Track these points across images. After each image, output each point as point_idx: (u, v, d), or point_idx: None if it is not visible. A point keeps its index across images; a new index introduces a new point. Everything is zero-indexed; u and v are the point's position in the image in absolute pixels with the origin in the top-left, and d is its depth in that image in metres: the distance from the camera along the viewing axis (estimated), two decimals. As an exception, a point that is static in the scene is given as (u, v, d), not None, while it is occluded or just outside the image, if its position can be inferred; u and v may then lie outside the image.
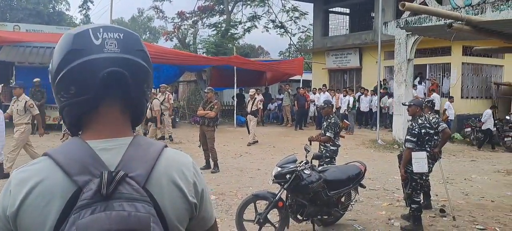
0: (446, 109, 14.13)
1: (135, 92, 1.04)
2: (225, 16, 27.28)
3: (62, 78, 1.00)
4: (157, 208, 0.96)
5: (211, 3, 27.86)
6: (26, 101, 7.82)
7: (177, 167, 1.04)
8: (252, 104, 12.53)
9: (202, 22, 28.43)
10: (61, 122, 10.19)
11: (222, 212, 5.85)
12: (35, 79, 12.77)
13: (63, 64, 0.99)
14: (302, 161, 4.82)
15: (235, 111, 17.52)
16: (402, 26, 11.39)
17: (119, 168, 0.96)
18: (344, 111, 16.00)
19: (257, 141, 12.46)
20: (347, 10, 22.84)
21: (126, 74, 1.00)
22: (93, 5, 38.42)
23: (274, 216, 4.96)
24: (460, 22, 5.10)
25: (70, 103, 1.02)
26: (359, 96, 17.03)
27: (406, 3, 4.94)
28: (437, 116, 6.65)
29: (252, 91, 12.96)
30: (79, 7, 33.81)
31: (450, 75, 16.10)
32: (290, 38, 30.52)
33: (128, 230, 0.87)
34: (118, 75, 1.00)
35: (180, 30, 27.32)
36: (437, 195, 6.77)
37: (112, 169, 0.95)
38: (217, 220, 4.41)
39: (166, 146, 1.07)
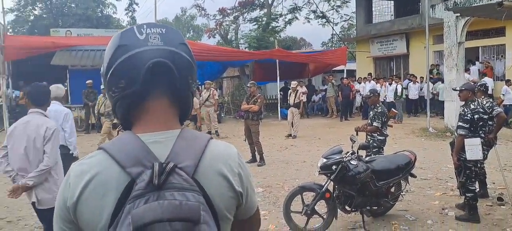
0: (503, 94, 13.32)
1: (180, 83, 1.08)
2: (265, 10, 27.28)
3: (112, 74, 1.06)
4: (205, 197, 0.99)
5: (251, -2, 27.93)
6: None
7: (222, 158, 1.08)
8: (295, 97, 12.47)
9: (243, 17, 28.61)
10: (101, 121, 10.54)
11: (269, 204, 5.89)
12: (88, 81, 13.41)
13: (113, 61, 1.05)
14: (348, 152, 4.75)
15: (279, 105, 17.51)
16: (450, 7, 10.87)
17: (168, 159, 0.99)
18: (391, 100, 15.54)
19: (295, 136, 12.33)
20: (391, -5, 22.13)
21: (170, 65, 1.05)
22: (138, 7, 39.69)
23: (321, 207, 4.93)
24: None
25: (121, 97, 1.07)
26: (407, 84, 16.48)
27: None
28: (491, 100, 6.30)
29: (294, 83, 12.89)
30: (125, 9, 35.16)
31: (504, 57, 15.19)
32: (332, 28, 30.03)
33: (179, 218, 0.90)
34: (162, 65, 1.04)
35: (222, 27, 27.66)
36: (494, 183, 6.44)
37: (162, 160, 0.99)
38: (265, 212, 4.46)
39: (211, 138, 1.11)
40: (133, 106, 1.09)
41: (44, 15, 32.10)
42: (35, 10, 32.71)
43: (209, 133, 12.90)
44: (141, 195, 0.92)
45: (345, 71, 18.32)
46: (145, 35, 1.06)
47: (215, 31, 28.35)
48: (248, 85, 9.26)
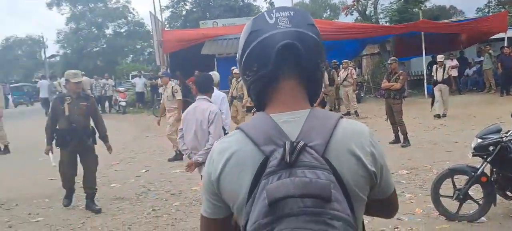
0: None
1: (308, 63, 1.12)
2: (408, -22, 25.29)
3: (246, 58, 1.14)
4: (336, 175, 1.00)
5: (391, -33, 26.17)
6: (172, 87, 8.49)
7: (354, 136, 1.08)
8: (443, 72, 11.40)
9: (382, -11, 27.01)
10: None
11: (415, 187, 5.59)
12: (233, 68, 14.41)
13: (246, 46, 1.14)
14: (509, 131, 4.20)
15: (425, 81, 16.22)
16: None
17: (299, 138, 1.04)
18: None
19: (445, 115, 11.27)
20: None
21: (298, 46, 1.08)
22: (276, -8, 40.70)
23: (476, 192, 4.49)
24: None
25: (254, 80, 1.15)
26: None
27: None
28: None
29: (440, 57, 11.77)
30: (265, -4, 36.36)
31: None
32: (490, -10, 26.35)
33: (310, 195, 0.93)
34: (291, 47, 1.08)
35: (360, 2, 26.58)
36: None
37: (293, 139, 1.03)
38: (410, 195, 4.27)
39: (341, 117, 1.11)
40: (265, 88, 1.15)
41: (194, 9, 35.32)
42: (186, 5, 36.20)
43: (348, 113, 12.71)
44: (274, 172, 0.98)
45: (506, 39, 15.96)
46: (275, 19, 1.11)
47: (352, 8, 27.44)
48: (389, 62, 8.81)
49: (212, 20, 23.60)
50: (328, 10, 49.85)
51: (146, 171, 7.45)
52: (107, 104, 19.65)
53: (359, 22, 25.19)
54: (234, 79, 10.70)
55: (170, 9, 35.50)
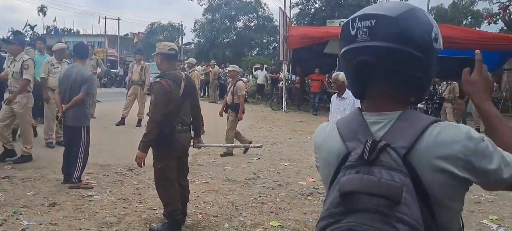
0: None
1: (393, 76, 1.10)
2: None
3: (341, 61, 1.23)
4: (418, 180, 1.01)
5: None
6: (23, 61, 6.26)
7: (443, 142, 1.03)
8: None
9: (539, -2, 23.66)
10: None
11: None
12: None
13: (339, 51, 1.19)
14: None
15: None
16: None
17: (383, 138, 1.07)
18: None
19: None
20: None
21: (373, 62, 1.08)
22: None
23: None
24: None
25: (349, 83, 1.24)
26: None
27: None
28: None
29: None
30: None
31: None
32: None
33: (377, 194, 0.96)
34: (365, 64, 1.10)
35: (507, 11, 23.71)
36: None
37: (378, 139, 1.07)
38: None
39: (437, 121, 1.07)
40: (357, 91, 1.21)
41: (323, 8, 35.32)
42: (316, 3, 36.37)
43: (477, 129, 11.56)
44: (352, 166, 1.05)
45: None
46: (355, 30, 1.10)
47: (497, 17, 24.60)
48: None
49: (340, 19, 23.35)
50: (469, 17, 45.44)
51: (257, 159, 7.83)
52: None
53: (504, 32, 22.51)
54: None
55: (299, 6, 36.01)
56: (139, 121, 10.71)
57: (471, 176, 1.04)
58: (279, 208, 5.16)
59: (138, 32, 53.59)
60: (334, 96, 5.63)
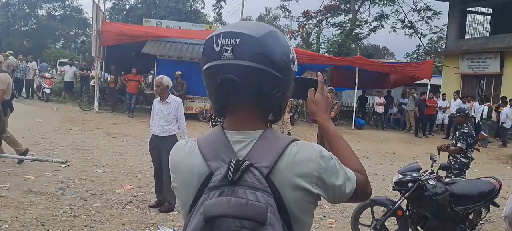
0: None
1: (254, 94, 1.10)
2: (350, 16, 26.75)
3: (203, 76, 1.16)
4: (279, 199, 1.03)
5: (337, 2, 27.54)
6: None
7: (301, 161, 1.07)
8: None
9: (326, 21, 28.31)
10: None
11: (336, 213, 5.83)
12: (177, 72, 14.17)
13: (202, 66, 1.15)
14: (426, 170, 4.55)
15: (354, 113, 17.12)
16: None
17: (246, 158, 1.06)
18: (478, 121, 14.47)
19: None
20: (489, 10, 20.56)
21: (237, 80, 1.07)
22: (226, 4, 40.88)
23: (391, 224, 4.78)
24: None
25: (210, 100, 1.19)
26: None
27: None
28: None
29: None
30: (213, 6, 36.35)
31: None
32: (420, 39, 28.63)
33: (245, 217, 0.95)
34: (231, 81, 1.07)
35: (305, 29, 27.61)
36: None
37: (241, 158, 1.05)
38: (331, 220, 4.39)
39: (294, 140, 1.11)
40: (220, 108, 1.18)
41: (139, 5, 34.38)
42: (131, 0, 35.19)
43: (288, 134, 13.04)
44: (215, 187, 1.00)
45: (429, 85, 17.39)
46: (220, 47, 1.08)
47: (297, 34, 28.40)
48: (325, 90, 9.15)
49: (157, 19, 23.07)
50: (271, 31, 50.81)
51: (65, 166, 7.01)
52: (29, 89, 18.23)
53: (301, 48, 26.07)
54: None
55: (113, 1, 34.22)
56: None
57: (322, 192, 1.10)
58: (94, 220, 4.71)
59: None
60: (156, 100, 5.45)
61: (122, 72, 16.61)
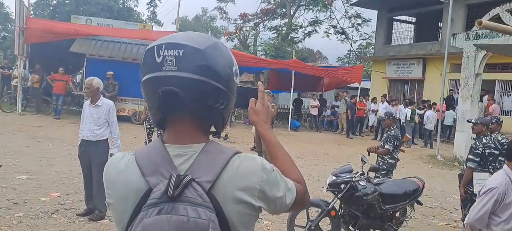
0: None
1: (196, 106, 1.07)
2: (286, 20, 27.35)
3: (142, 87, 1.11)
4: (221, 213, 1.01)
5: (274, 6, 28.02)
6: None
7: (243, 175, 1.06)
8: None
9: (263, 24, 28.68)
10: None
11: (273, 215, 5.90)
12: (108, 73, 13.57)
13: (141, 77, 1.10)
14: (358, 172, 4.76)
15: (290, 115, 17.52)
16: (472, 39, 10.83)
17: (188, 172, 1.03)
18: (403, 123, 15.46)
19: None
20: (413, 19, 22.10)
21: (179, 92, 1.03)
22: (161, 2, 39.93)
23: (325, 224, 4.93)
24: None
25: (150, 112, 1.14)
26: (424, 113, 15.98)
27: (483, 21, 4.72)
28: (506, 137, 6.26)
29: None
30: (147, 4, 35.33)
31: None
32: (351, 44, 29.96)
33: None
34: (173, 93, 1.04)
35: (242, 32, 27.75)
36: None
37: (182, 173, 1.02)
38: (268, 222, 4.43)
39: (237, 153, 1.09)
40: (160, 121, 1.14)
41: (66, 1, 32.49)
42: (59, -5, 33.15)
43: (223, 136, 12.99)
44: (155, 204, 0.96)
45: (359, 89, 18.28)
46: (162, 58, 1.05)
47: (234, 35, 28.46)
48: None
49: (86, 17, 21.96)
50: (209, 33, 50.71)
51: (-17, 173, 6.44)
52: None
53: (238, 49, 26.20)
54: None
55: (38, -4, 32.05)
56: None
57: (263, 204, 1.09)
58: (16, 232, 4.37)
59: None
60: (86, 103, 5.18)
61: (52, 72, 15.60)
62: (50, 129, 11.88)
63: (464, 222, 2.50)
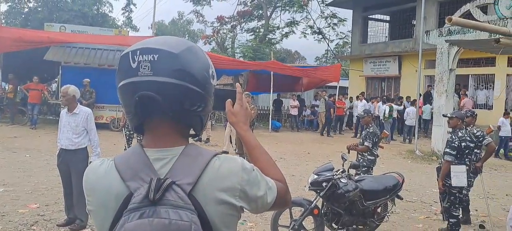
0: (500, 126, 12.96)
1: (174, 110, 1.07)
2: (263, 21, 27.47)
3: (118, 93, 1.11)
4: (203, 215, 1.02)
5: (250, 8, 28.11)
6: None
7: (223, 177, 1.07)
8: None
9: (240, 26, 28.73)
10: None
11: (256, 216, 5.91)
12: (85, 80, 13.33)
13: (117, 83, 1.10)
14: (338, 170, 4.82)
15: (270, 116, 17.59)
16: (445, 35, 11.11)
17: (168, 176, 1.03)
18: (381, 120, 15.71)
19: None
20: (387, 17, 22.50)
21: (156, 97, 1.04)
22: (136, 8, 39.52)
23: (309, 223, 4.98)
24: (509, 36, 4.95)
25: (127, 118, 1.14)
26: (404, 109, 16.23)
27: (453, 17, 4.86)
28: (481, 129, 6.45)
29: None
30: (122, 9, 34.94)
31: (493, 87, 15.54)
32: (328, 44, 30.31)
33: None
34: (149, 98, 1.04)
35: (219, 34, 27.72)
36: (477, 210, 6.56)
37: (162, 177, 1.03)
38: (251, 224, 4.45)
39: (216, 155, 1.10)
40: (138, 126, 1.14)
41: (39, 9, 31.78)
42: (30, 2, 32.38)
43: (200, 139, 12.92)
44: (136, 208, 0.96)
45: (338, 88, 18.49)
46: (137, 63, 1.05)
47: (211, 38, 28.42)
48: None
49: (60, 24, 21.54)
50: (187, 36, 50.44)
51: (-43, 187, 6.25)
52: None
53: (216, 52, 26.15)
54: None
55: (9, 3, 31.28)
56: None
57: (245, 204, 1.11)
58: (-6, 246, 4.26)
59: None
60: (63, 112, 5.08)
61: (28, 81, 15.23)
62: (26, 139, 11.60)
63: (507, 218, 2.55)
